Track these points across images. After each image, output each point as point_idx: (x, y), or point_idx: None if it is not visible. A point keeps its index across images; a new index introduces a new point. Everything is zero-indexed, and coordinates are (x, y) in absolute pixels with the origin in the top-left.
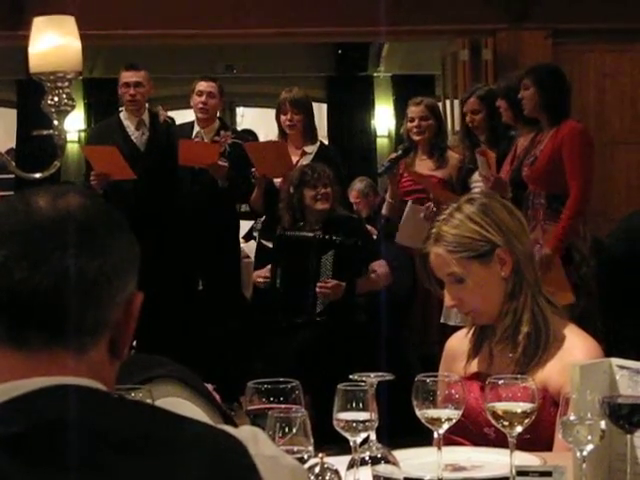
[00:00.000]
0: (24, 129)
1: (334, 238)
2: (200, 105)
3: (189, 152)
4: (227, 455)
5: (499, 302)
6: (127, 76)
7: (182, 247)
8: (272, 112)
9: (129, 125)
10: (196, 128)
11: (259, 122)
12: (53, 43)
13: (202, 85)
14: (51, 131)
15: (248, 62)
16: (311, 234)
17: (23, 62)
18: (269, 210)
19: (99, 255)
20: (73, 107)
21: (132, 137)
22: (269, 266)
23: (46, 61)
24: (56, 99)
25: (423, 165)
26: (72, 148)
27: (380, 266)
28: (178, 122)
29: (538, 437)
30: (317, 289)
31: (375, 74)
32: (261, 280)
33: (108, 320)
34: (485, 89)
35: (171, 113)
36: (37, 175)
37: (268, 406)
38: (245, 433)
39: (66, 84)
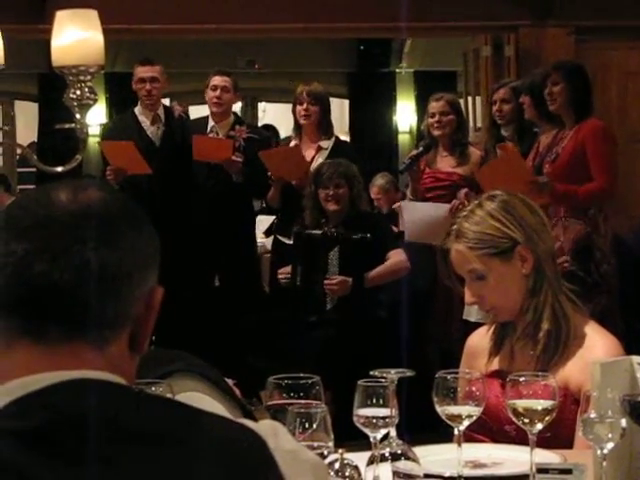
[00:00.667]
0: (46, 123)
1: (336, 234)
2: (215, 100)
3: (203, 148)
4: (245, 449)
5: (520, 299)
6: (142, 71)
7: (197, 242)
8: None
9: (144, 120)
10: (210, 123)
11: (281, 117)
12: (76, 37)
13: (216, 80)
14: (73, 125)
15: (270, 57)
16: (319, 231)
17: (45, 55)
18: (286, 207)
19: (119, 249)
20: (95, 101)
21: (147, 132)
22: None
23: (69, 55)
24: (78, 93)
25: (444, 162)
26: (93, 142)
27: (396, 254)
28: (193, 117)
29: (559, 435)
30: (325, 286)
31: (397, 70)
32: (282, 277)
33: (128, 314)
34: (518, 82)
35: (193, 108)
36: (59, 169)
37: (288, 401)
38: (265, 427)
39: (88, 78)
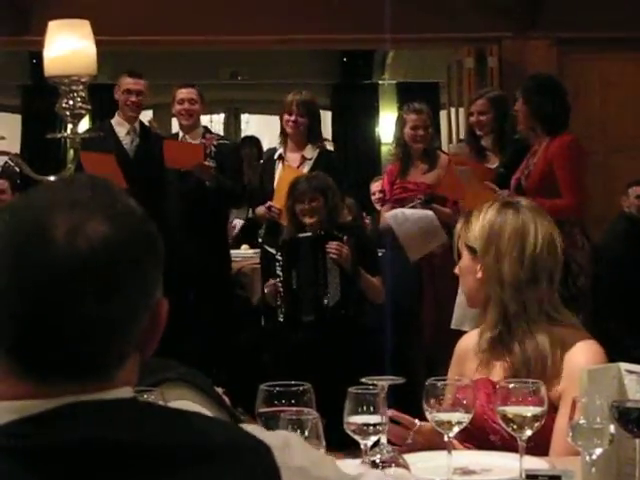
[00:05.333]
0: (30, 134)
1: (325, 232)
2: (183, 112)
3: (174, 153)
4: (250, 463)
5: (478, 298)
6: (130, 83)
7: (171, 252)
8: (277, 119)
9: (120, 131)
10: (180, 134)
11: (264, 129)
12: (68, 47)
13: (182, 92)
14: (66, 134)
15: (253, 69)
16: (309, 233)
17: (27, 67)
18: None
19: (122, 297)
20: (88, 110)
21: (123, 143)
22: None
23: (61, 64)
24: (71, 102)
25: (416, 172)
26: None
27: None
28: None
29: (537, 441)
30: (327, 249)
31: (380, 81)
32: (269, 289)
33: (134, 343)
34: (495, 92)
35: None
36: (51, 178)
37: (280, 409)
38: (276, 440)
39: (81, 87)
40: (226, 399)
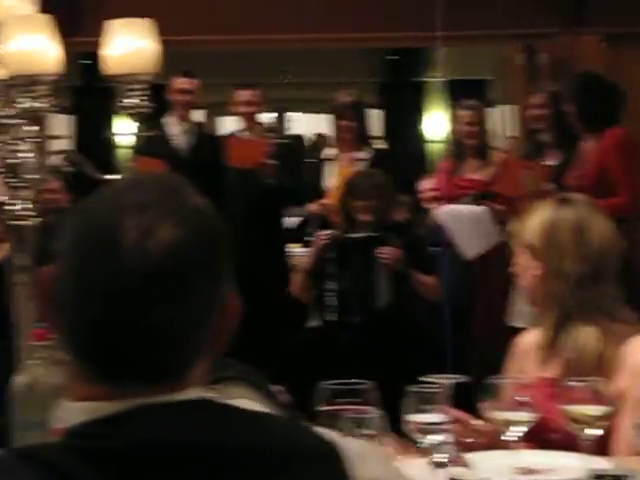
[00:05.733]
0: (84, 134)
1: (378, 235)
2: (244, 112)
3: (239, 151)
4: (322, 470)
5: (537, 294)
6: (184, 83)
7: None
8: (322, 117)
9: (174, 132)
10: (238, 134)
11: (309, 128)
12: (130, 45)
13: (244, 94)
14: (126, 133)
15: (300, 68)
16: (363, 234)
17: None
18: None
19: (195, 297)
20: (149, 109)
21: (176, 144)
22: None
23: (122, 63)
24: (133, 101)
25: (469, 169)
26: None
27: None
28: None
29: (599, 441)
30: (378, 254)
31: (428, 79)
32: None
33: (204, 343)
34: (554, 87)
35: (222, 119)
36: (110, 177)
37: (342, 407)
38: (353, 449)
39: (142, 86)
40: (285, 397)
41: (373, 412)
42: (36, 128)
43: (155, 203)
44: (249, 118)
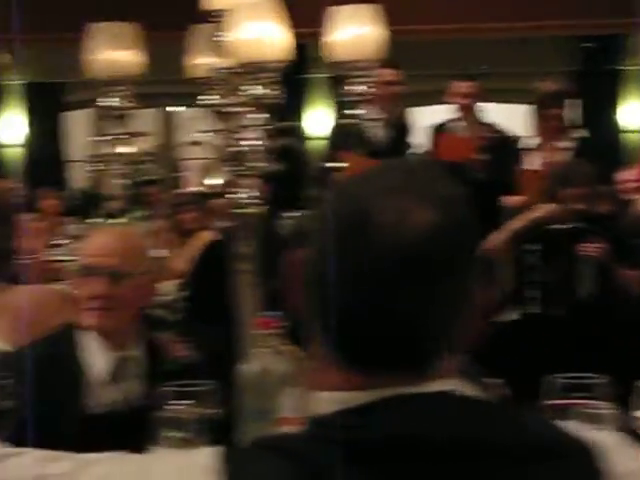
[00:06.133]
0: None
1: (581, 226)
2: (461, 104)
3: (447, 146)
4: (578, 466)
5: None
6: (388, 74)
7: None
8: (516, 108)
9: (375, 123)
10: (450, 127)
11: (504, 118)
12: (354, 32)
13: (462, 85)
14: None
15: (490, 58)
16: (570, 225)
17: None
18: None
19: (450, 284)
20: (372, 96)
21: (378, 136)
22: None
23: (348, 49)
24: (359, 88)
25: None
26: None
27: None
28: (427, 120)
29: None
30: (585, 247)
31: (624, 67)
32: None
33: (455, 334)
34: None
35: (418, 110)
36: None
37: (572, 402)
38: (607, 443)
39: (368, 73)
40: (503, 391)
41: (606, 407)
42: (264, 115)
43: (411, 187)
44: (466, 110)
